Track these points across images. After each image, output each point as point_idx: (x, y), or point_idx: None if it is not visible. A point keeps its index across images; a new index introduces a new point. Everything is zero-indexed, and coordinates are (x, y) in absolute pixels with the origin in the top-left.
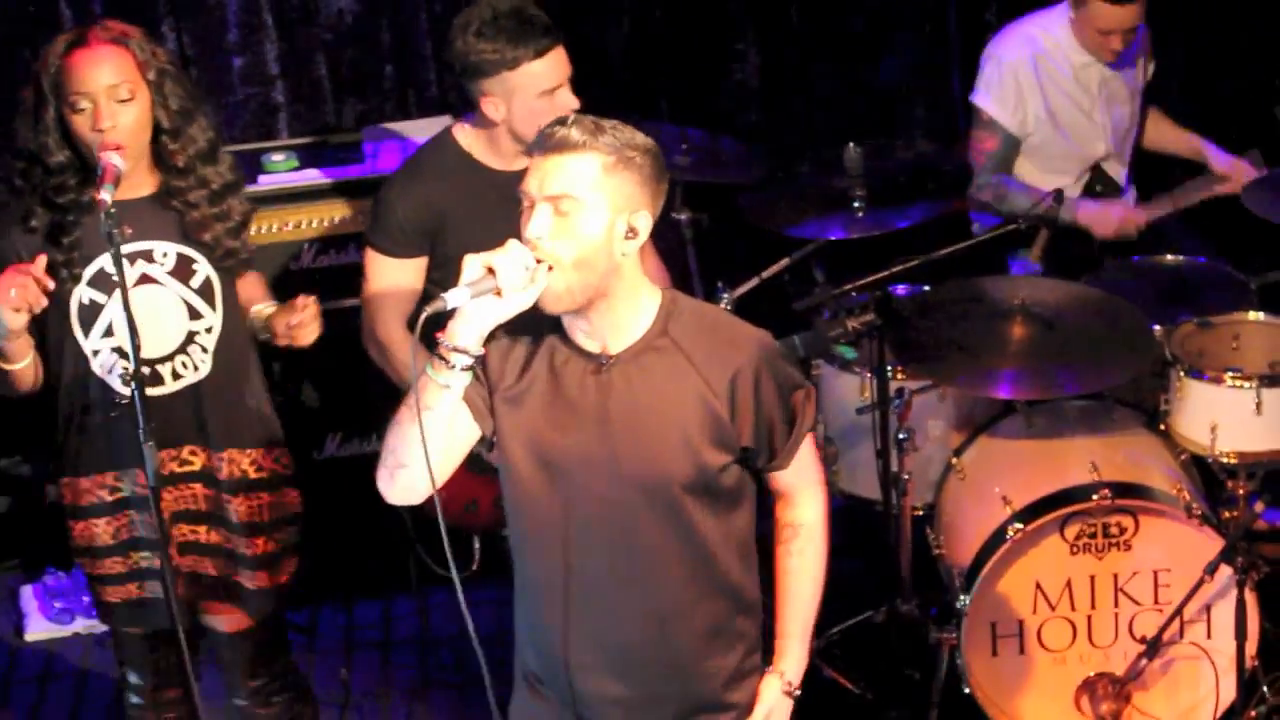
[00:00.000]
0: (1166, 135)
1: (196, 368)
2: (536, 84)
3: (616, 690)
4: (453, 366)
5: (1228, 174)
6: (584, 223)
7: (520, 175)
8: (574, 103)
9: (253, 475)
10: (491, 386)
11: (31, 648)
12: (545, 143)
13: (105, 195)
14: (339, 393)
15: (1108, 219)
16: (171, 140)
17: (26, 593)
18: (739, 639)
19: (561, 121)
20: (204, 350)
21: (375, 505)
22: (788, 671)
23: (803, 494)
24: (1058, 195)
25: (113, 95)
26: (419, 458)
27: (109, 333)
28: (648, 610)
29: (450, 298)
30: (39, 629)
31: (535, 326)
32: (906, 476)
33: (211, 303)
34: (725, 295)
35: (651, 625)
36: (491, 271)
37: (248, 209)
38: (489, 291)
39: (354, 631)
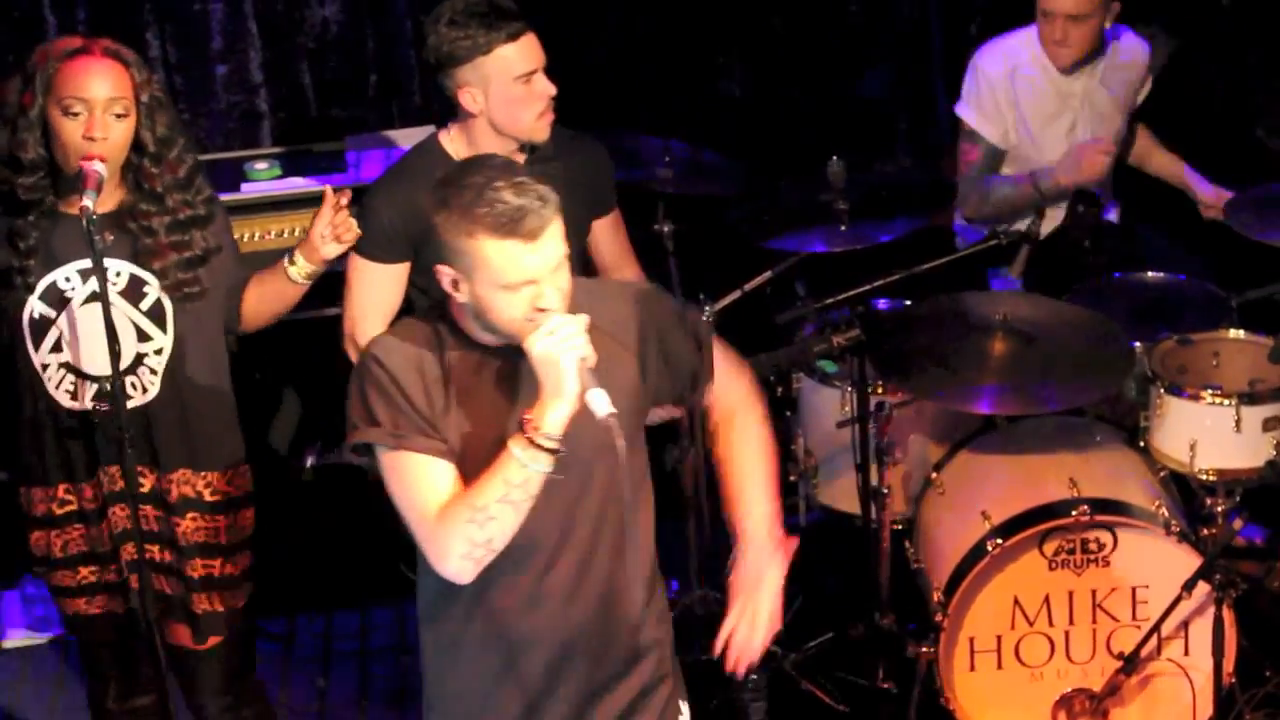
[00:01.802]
0: (1151, 155)
1: (145, 389)
2: (511, 68)
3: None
4: (553, 453)
5: (1211, 202)
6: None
7: None
8: (550, 89)
9: (207, 497)
10: (431, 421)
11: (9, 654)
12: (517, 230)
13: (88, 201)
14: (320, 402)
15: (1075, 165)
16: (153, 164)
17: (4, 599)
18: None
19: (514, 214)
20: (153, 372)
21: (354, 514)
22: (762, 524)
23: (729, 384)
24: (1033, 180)
25: (109, 109)
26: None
27: (58, 348)
28: (631, 576)
29: (603, 405)
30: (17, 636)
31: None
32: (886, 491)
33: (162, 325)
34: (707, 307)
35: (640, 588)
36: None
37: (212, 245)
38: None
39: (332, 641)
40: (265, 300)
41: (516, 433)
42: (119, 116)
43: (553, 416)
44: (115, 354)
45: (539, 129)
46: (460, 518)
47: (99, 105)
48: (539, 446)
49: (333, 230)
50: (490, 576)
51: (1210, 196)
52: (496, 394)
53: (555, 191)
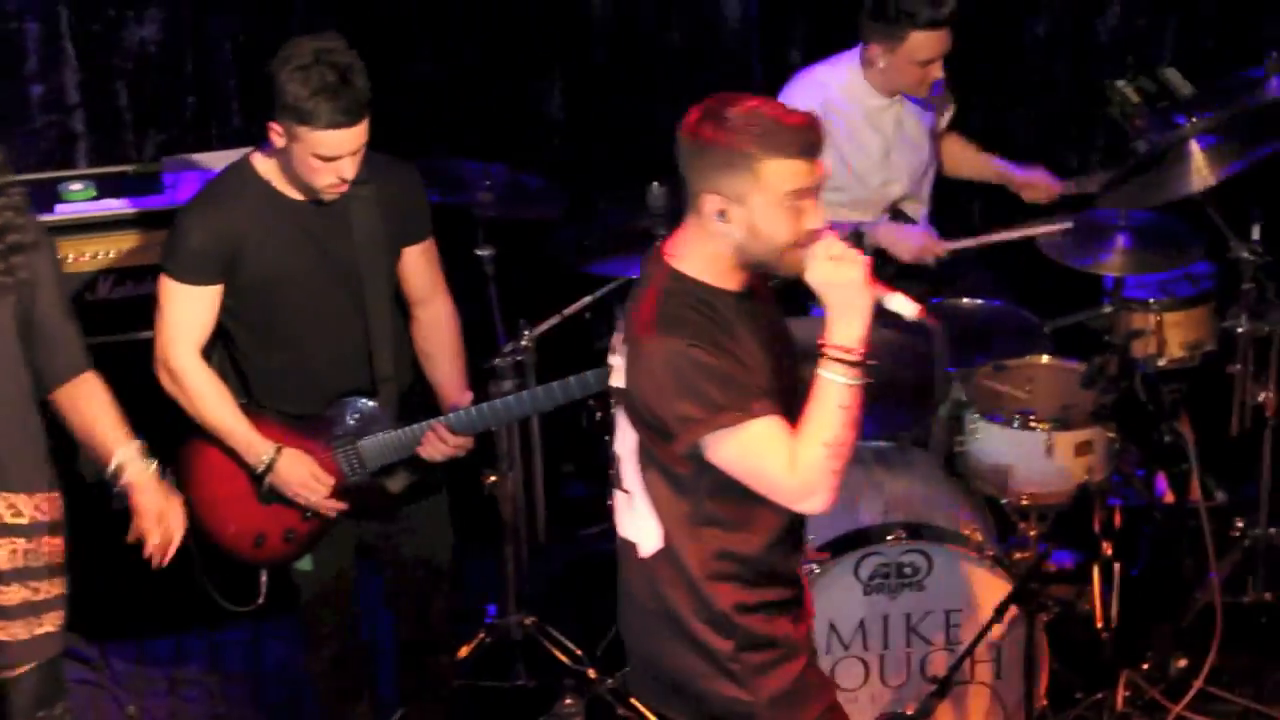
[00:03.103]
0: (967, 160)
1: None
2: (319, 147)
3: None
4: (866, 364)
5: (1029, 183)
6: None
7: (316, 206)
8: (349, 174)
9: (8, 520)
10: (754, 381)
11: None
12: (799, 150)
13: None
14: (133, 424)
15: (908, 242)
16: None
17: None
18: None
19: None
20: None
21: None
22: None
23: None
24: (855, 236)
25: None
26: None
27: None
28: None
29: (907, 306)
30: None
31: None
32: None
33: None
34: (526, 332)
35: None
36: None
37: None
38: None
39: (144, 667)
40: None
41: (824, 360)
42: None
43: (855, 332)
44: None
45: (323, 195)
46: (818, 457)
47: None
48: (852, 363)
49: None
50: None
51: (1026, 178)
52: (751, 333)
53: (369, 217)
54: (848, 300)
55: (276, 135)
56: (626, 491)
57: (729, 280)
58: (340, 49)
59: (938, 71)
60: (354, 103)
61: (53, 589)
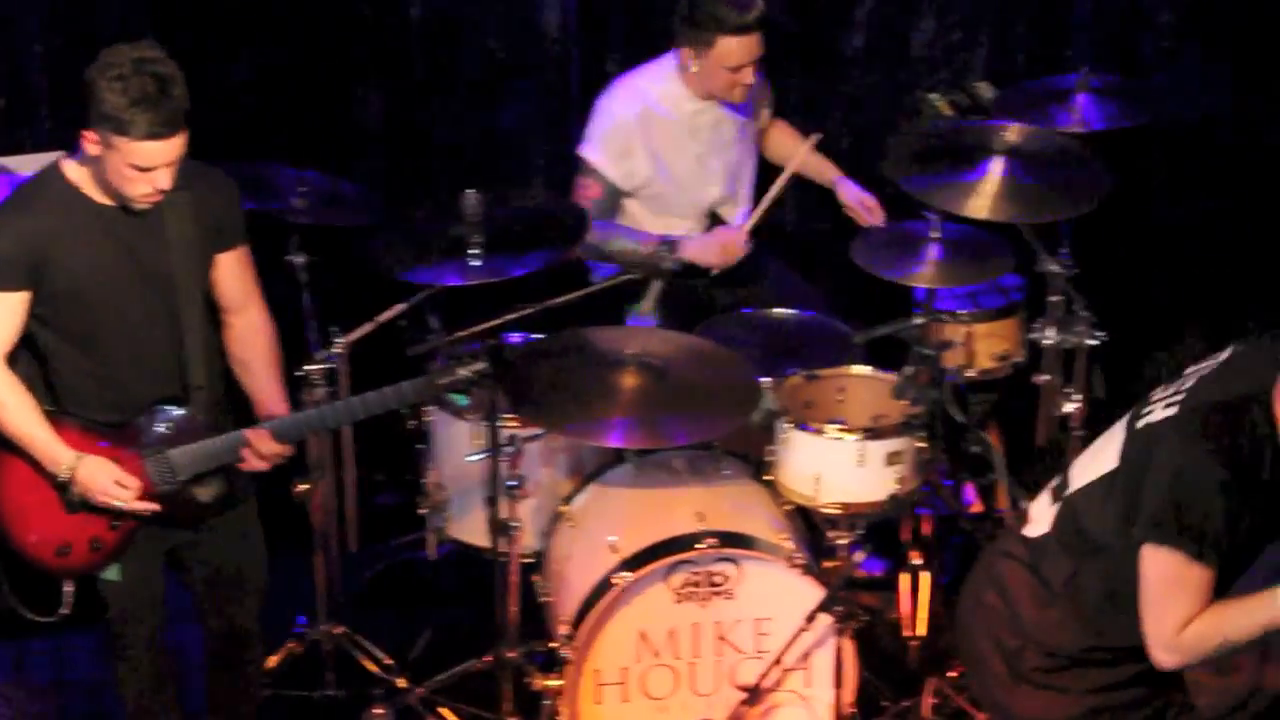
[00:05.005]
0: (797, 152)
1: None
2: (134, 158)
3: None
4: None
5: (854, 206)
6: None
7: (129, 213)
8: (165, 185)
9: None
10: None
11: None
12: None
13: None
14: None
15: (710, 248)
16: None
17: None
18: None
19: None
20: None
21: None
22: None
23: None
24: (666, 247)
25: None
26: None
27: None
28: None
29: None
30: None
31: None
32: (516, 524)
33: None
34: (339, 340)
35: None
36: None
37: None
38: None
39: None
40: None
41: None
42: None
43: None
44: None
45: (136, 206)
46: (1209, 640)
47: None
48: None
49: None
50: None
51: (855, 201)
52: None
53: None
54: None
55: (91, 143)
56: None
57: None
58: (160, 59)
59: (749, 77)
60: (173, 114)
61: None
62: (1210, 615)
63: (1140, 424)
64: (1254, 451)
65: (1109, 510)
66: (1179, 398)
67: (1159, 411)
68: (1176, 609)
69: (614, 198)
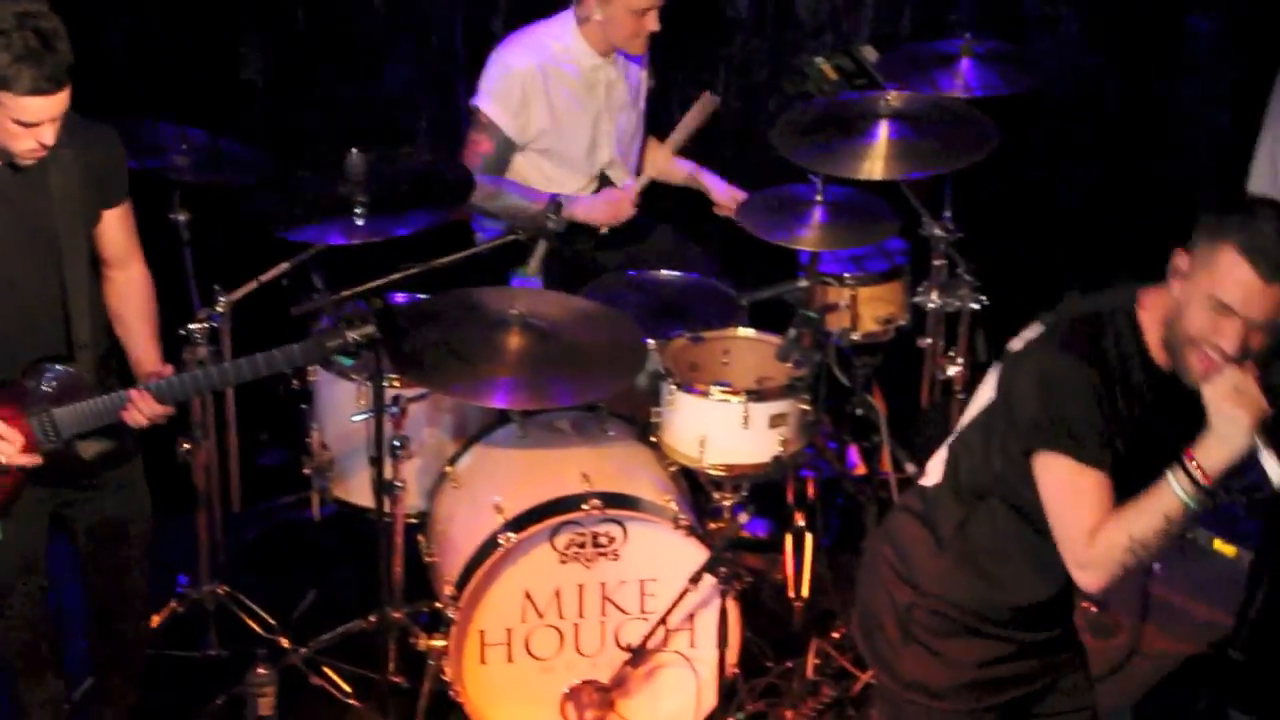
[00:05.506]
0: (665, 165)
1: None
2: (21, 114)
3: None
4: (1210, 496)
5: (725, 203)
6: None
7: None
8: (49, 140)
9: None
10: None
11: None
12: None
13: None
14: None
15: (599, 207)
16: None
17: None
18: None
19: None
20: None
21: None
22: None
23: None
24: (554, 205)
25: None
26: None
27: None
28: None
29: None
30: None
31: None
32: (400, 484)
33: None
34: (222, 299)
35: None
36: None
37: None
38: None
39: None
40: None
41: (1178, 467)
42: None
43: (1217, 463)
44: None
45: (20, 160)
46: (1118, 545)
47: None
48: (1200, 486)
49: None
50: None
51: (724, 196)
52: (1155, 416)
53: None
54: (1229, 434)
55: None
56: None
57: (1159, 352)
58: (44, 13)
59: (654, 23)
60: (57, 69)
61: None
62: (1113, 519)
63: (1010, 352)
64: (1121, 356)
65: (992, 442)
66: (1047, 320)
67: (1028, 334)
68: (1078, 518)
69: (505, 152)
